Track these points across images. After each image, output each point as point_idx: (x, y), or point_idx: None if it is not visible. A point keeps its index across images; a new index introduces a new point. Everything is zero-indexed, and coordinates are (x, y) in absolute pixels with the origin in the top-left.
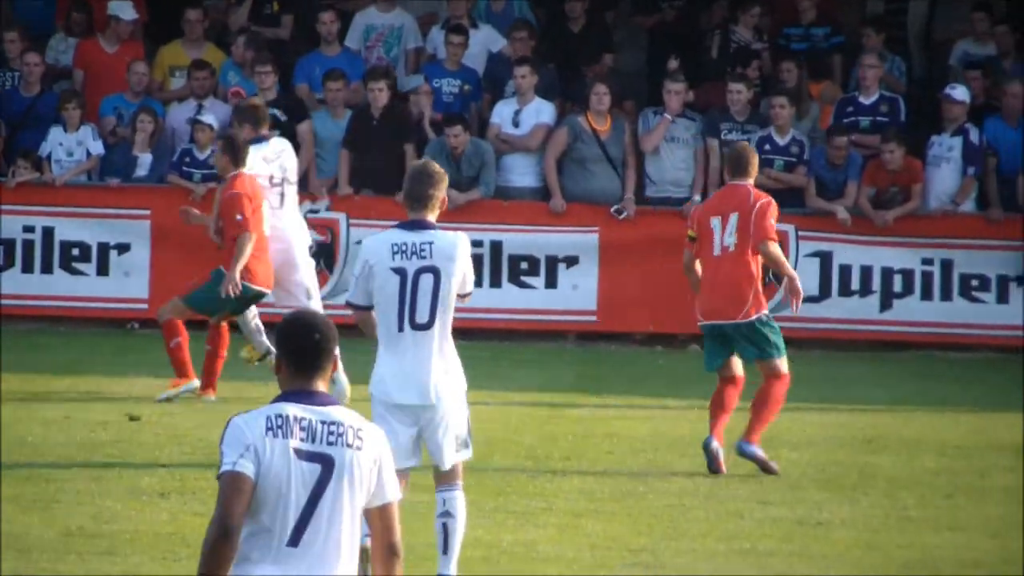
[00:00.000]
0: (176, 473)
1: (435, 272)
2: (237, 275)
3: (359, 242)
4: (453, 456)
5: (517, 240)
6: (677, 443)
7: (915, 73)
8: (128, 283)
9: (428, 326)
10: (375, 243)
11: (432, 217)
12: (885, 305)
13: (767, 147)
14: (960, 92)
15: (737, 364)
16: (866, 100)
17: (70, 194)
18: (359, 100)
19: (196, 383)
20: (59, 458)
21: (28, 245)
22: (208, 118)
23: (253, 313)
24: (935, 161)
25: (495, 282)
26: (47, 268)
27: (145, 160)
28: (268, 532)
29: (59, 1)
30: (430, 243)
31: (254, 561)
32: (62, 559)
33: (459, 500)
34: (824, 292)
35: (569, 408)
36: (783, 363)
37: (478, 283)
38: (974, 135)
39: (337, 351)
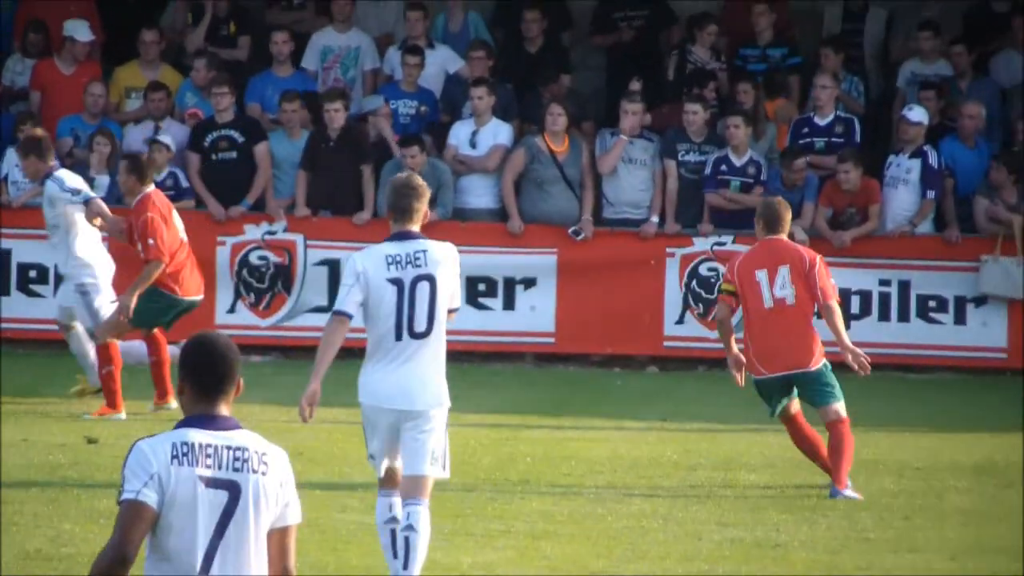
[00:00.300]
0: None
1: (431, 280)
2: (133, 300)
3: (320, 263)
4: (429, 468)
5: (475, 261)
6: (635, 464)
7: (872, 93)
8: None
9: (426, 334)
10: (367, 256)
11: (417, 228)
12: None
13: (723, 167)
14: (917, 113)
15: (794, 403)
16: (821, 121)
17: (27, 215)
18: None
19: (123, 416)
20: (17, 480)
21: None
22: (165, 139)
23: (91, 347)
24: (892, 182)
25: None
26: (4, 290)
27: (102, 181)
28: (176, 561)
29: (15, 22)
30: (424, 251)
31: None
32: None
33: (423, 516)
34: None
35: (527, 430)
36: (843, 406)
37: None
38: (932, 158)
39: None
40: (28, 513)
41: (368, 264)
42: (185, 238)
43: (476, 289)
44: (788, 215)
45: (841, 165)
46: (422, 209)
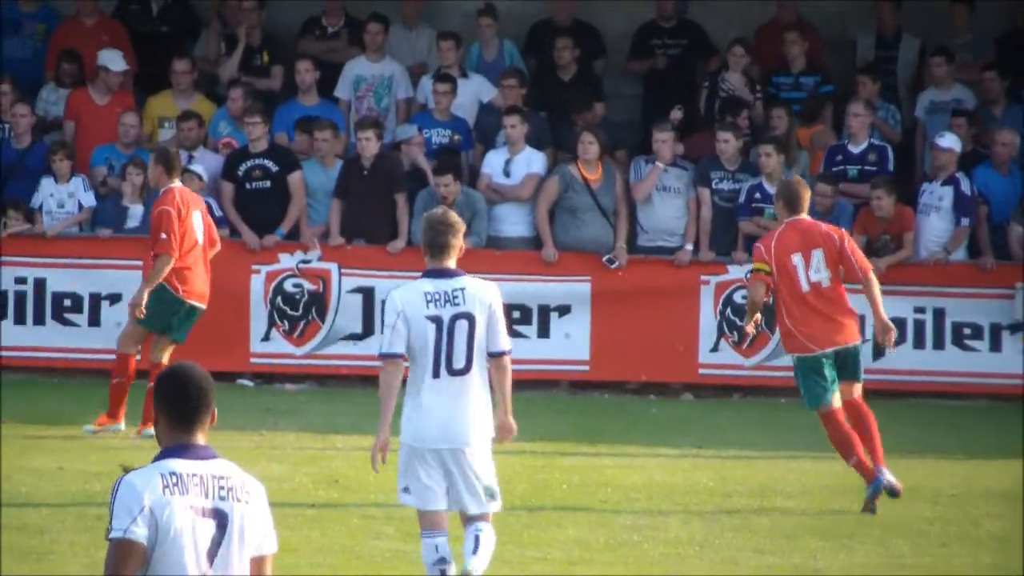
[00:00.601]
0: None
1: (469, 318)
2: (144, 296)
3: (353, 291)
4: (483, 505)
5: (509, 289)
6: (671, 492)
7: (906, 122)
8: (119, 334)
9: (465, 371)
10: (406, 293)
11: (454, 264)
12: (878, 353)
13: (757, 195)
14: (948, 140)
15: (837, 396)
16: (855, 148)
17: (61, 245)
18: (343, 150)
19: (122, 427)
20: (53, 509)
21: (20, 296)
22: (197, 168)
23: None
24: (925, 209)
25: None
26: (39, 319)
27: (136, 211)
28: None
29: (49, 52)
30: (462, 289)
31: None
32: None
33: (489, 528)
34: None
35: (562, 457)
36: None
37: None
38: (965, 185)
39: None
40: (64, 542)
41: (407, 301)
42: (201, 240)
43: (510, 317)
44: (808, 193)
45: (874, 192)
46: (458, 245)
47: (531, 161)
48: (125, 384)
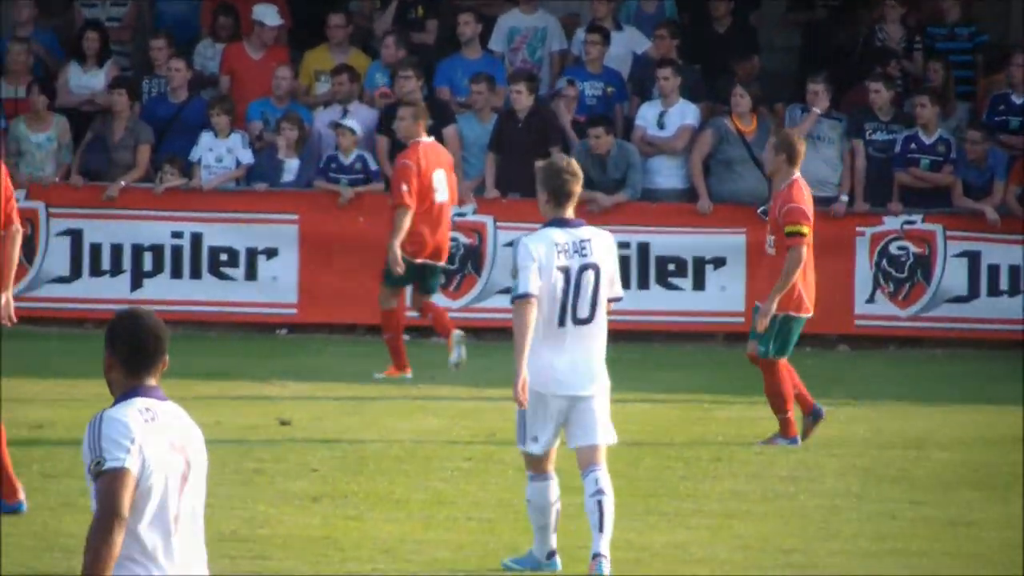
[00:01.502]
0: (328, 477)
1: (596, 269)
2: (397, 250)
3: (509, 244)
4: (602, 437)
5: (664, 242)
6: (827, 443)
7: None
8: (276, 288)
9: (589, 320)
10: (540, 241)
11: (573, 214)
12: None
13: (913, 146)
14: None
15: None
16: (1018, 100)
17: (218, 200)
18: (501, 103)
19: (409, 376)
20: (211, 463)
21: (177, 251)
22: (351, 122)
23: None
24: None
25: (643, 284)
26: (196, 274)
27: (292, 165)
28: (149, 529)
29: (204, 7)
30: (588, 240)
31: (136, 560)
32: (214, 563)
33: (606, 477)
34: (972, 292)
35: (718, 409)
36: None
37: (626, 285)
38: None
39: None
40: (222, 495)
41: (541, 250)
42: (440, 199)
43: (666, 270)
44: (803, 147)
45: None
46: (579, 192)
47: (685, 113)
48: (396, 338)
